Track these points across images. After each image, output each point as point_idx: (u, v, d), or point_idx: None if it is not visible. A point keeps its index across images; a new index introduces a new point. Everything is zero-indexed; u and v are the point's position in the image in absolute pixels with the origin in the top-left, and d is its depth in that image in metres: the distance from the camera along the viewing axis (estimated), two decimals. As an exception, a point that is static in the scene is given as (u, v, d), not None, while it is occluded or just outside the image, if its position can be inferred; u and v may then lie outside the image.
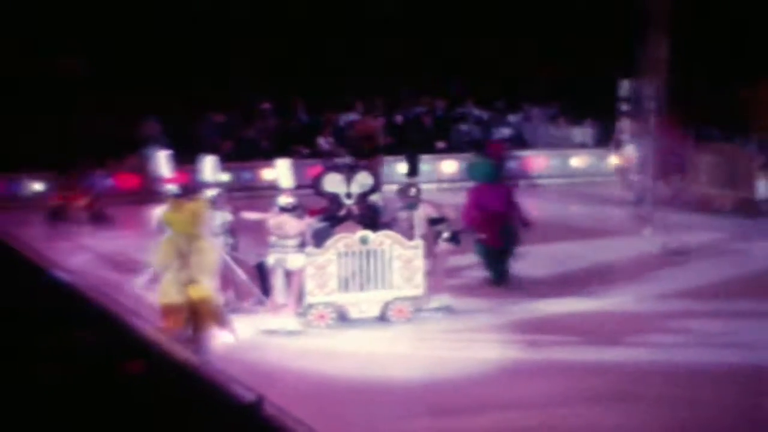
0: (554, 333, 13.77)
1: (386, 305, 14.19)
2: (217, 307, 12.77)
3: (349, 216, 14.55)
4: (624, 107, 23.87)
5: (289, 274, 13.80)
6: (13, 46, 24.60)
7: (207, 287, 12.51)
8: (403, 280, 14.25)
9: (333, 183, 14.66)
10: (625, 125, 24.01)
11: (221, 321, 12.85)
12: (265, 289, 14.27)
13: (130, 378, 4.62)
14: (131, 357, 4.73)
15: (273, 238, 13.79)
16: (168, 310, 12.24)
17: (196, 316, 12.41)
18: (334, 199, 14.69)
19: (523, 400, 11.36)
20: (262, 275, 14.32)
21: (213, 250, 12.82)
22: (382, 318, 14.17)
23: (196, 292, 12.39)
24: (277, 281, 13.83)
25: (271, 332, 13.62)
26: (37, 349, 4.87)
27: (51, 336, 4.95)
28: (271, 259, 13.77)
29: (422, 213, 14.72)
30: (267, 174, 22.36)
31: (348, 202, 14.57)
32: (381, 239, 14.24)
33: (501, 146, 18.63)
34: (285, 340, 13.48)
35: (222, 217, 14.55)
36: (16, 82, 24.15)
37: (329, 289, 14.06)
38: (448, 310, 14.59)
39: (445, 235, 14.63)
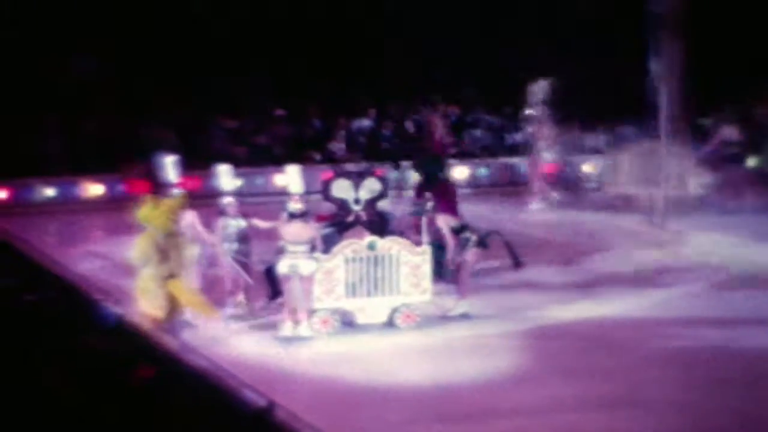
0: (564, 339, 13.75)
1: (393, 311, 14.17)
2: (196, 299, 13.24)
3: (357, 222, 14.54)
4: (533, 112, 23.41)
5: (302, 280, 13.78)
6: (24, 48, 24.62)
7: (185, 281, 13.07)
8: (410, 286, 14.22)
9: (341, 189, 14.68)
10: (538, 131, 23.54)
11: (202, 311, 13.36)
12: (274, 293, 14.28)
13: (140, 383, 4.59)
14: (142, 362, 4.70)
15: (285, 245, 13.76)
16: (148, 304, 12.59)
17: (174, 309, 12.86)
18: (342, 204, 14.71)
19: (533, 406, 11.33)
20: (270, 280, 14.31)
21: (190, 245, 13.34)
22: (390, 324, 14.16)
23: (174, 286, 12.82)
24: (294, 288, 13.79)
25: (285, 338, 13.62)
26: (47, 354, 4.83)
27: (61, 341, 4.91)
28: (284, 266, 13.72)
29: (443, 222, 14.73)
30: (279, 180, 22.42)
31: (356, 207, 14.58)
32: (389, 245, 14.23)
33: (443, 144, 18.80)
34: (298, 345, 13.49)
35: (236, 224, 14.62)
36: (26, 86, 24.17)
37: (337, 294, 14.05)
38: (465, 316, 14.59)
39: (473, 240, 14.62)
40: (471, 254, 14.66)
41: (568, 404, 11.33)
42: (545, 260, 17.83)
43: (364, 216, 14.55)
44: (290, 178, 14.29)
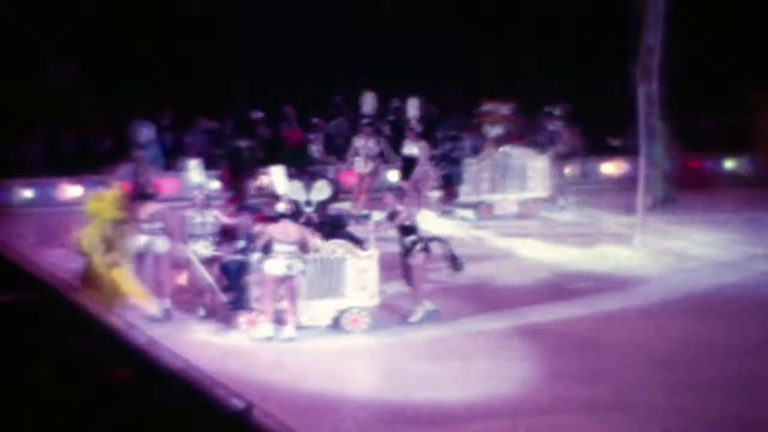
0: (542, 340, 13.76)
1: (340, 314, 14.14)
2: (137, 288, 13.88)
3: (308, 223, 14.57)
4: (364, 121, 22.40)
5: (284, 280, 13.80)
6: (4, 49, 24.50)
7: (128, 270, 13.86)
8: (356, 290, 14.21)
9: (293, 191, 14.72)
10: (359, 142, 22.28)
11: (142, 301, 13.97)
12: (231, 288, 14.29)
13: (118, 384, 4.59)
14: (120, 363, 4.70)
15: (273, 244, 13.78)
16: (93, 290, 13.14)
17: (117, 297, 13.54)
18: (294, 206, 14.76)
19: (511, 408, 11.36)
20: (228, 277, 14.35)
21: (132, 234, 14.11)
22: (335, 326, 14.12)
23: (118, 275, 13.60)
24: (287, 287, 13.89)
25: (263, 338, 13.62)
26: (26, 354, 4.82)
27: (39, 341, 4.90)
28: (276, 266, 13.74)
29: (406, 214, 14.77)
30: (261, 181, 22.47)
31: (308, 209, 14.61)
32: (333, 248, 14.25)
33: (298, 136, 18.97)
34: (279, 346, 13.49)
35: (201, 217, 14.68)
36: (5, 87, 24.05)
37: (280, 295, 14.04)
38: (435, 316, 14.54)
39: (419, 245, 14.58)
40: (418, 258, 14.59)
41: (547, 407, 11.37)
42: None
43: (315, 218, 14.59)
44: (275, 179, 14.35)
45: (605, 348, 13.40)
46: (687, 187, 22.92)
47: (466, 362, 12.91)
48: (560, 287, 16.39)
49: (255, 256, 14.00)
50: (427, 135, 22.29)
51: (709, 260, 18.05)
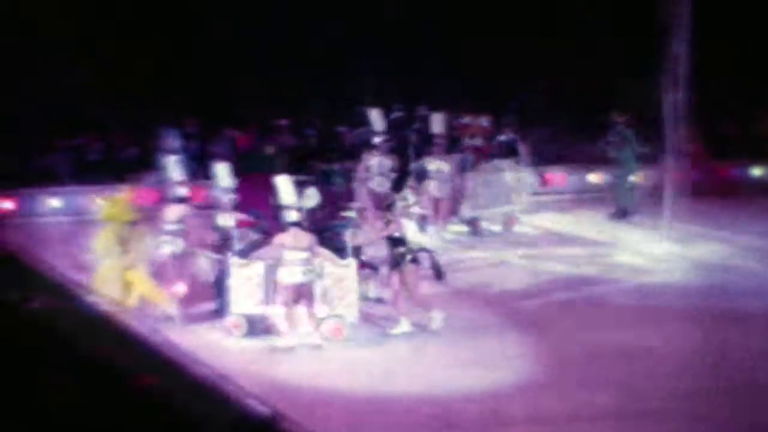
0: (558, 348, 13.76)
1: (320, 322, 14.13)
2: (153, 289, 14.18)
3: None
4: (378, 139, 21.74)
5: (302, 287, 13.82)
6: (26, 56, 24.65)
7: (143, 272, 14.13)
8: (333, 298, 14.23)
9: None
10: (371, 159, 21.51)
11: (158, 302, 14.23)
12: (222, 304, 14.38)
13: (143, 392, 4.57)
14: (145, 369, 4.68)
15: (288, 253, 13.81)
16: (109, 293, 13.28)
17: (132, 297, 13.88)
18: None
19: (531, 416, 11.37)
20: (219, 289, 14.44)
21: (148, 235, 14.37)
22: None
23: (133, 277, 13.93)
24: (309, 294, 14.03)
25: (290, 346, 13.65)
26: (51, 362, 4.82)
27: (63, 348, 4.90)
28: (291, 274, 13.77)
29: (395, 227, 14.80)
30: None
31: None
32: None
33: (245, 141, 21.46)
34: (303, 353, 13.52)
35: (223, 220, 14.83)
36: (28, 95, 24.20)
37: (256, 300, 14.04)
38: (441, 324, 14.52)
39: (409, 256, 14.53)
40: (409, 271, 14.50)
41: (565, 415, 11.44)
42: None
43: (305, 225, 14.64)
44: (282, 189, 14.37)
45: (622, 355, 13.40)
46: (713, 194, 22.88)
47: (483, 371, 12.89)
48: (574, 293, 16.38)
49: (233, 260, 14.06)
50: (453, 148, 22.22)
51: (730, 268, 18.01)
